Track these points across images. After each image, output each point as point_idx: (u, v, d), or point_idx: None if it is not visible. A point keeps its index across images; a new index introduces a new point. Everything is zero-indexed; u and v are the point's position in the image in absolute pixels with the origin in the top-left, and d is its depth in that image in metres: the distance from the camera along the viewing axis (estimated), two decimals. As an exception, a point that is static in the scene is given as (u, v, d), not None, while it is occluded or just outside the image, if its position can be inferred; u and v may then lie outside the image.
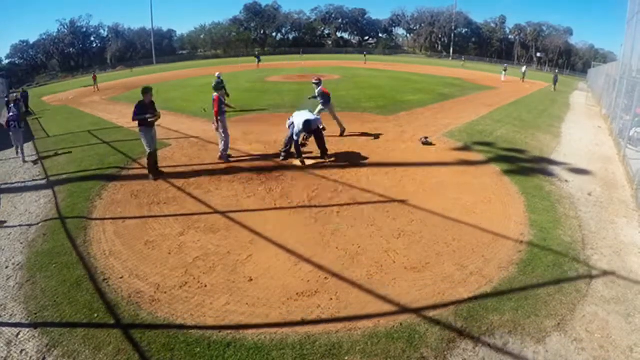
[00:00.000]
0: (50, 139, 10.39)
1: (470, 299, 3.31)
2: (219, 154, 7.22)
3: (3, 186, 6.64)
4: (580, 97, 21.11)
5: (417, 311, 3.18)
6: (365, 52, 51.58)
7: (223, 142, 7.10)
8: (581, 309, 3.23)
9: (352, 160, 7.19)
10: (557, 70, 28.53)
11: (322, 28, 77.90)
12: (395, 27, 79.80)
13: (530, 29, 68.54)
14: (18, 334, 3.01)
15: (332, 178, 6.20)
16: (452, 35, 69.73)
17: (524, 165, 7.15)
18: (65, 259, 4.02)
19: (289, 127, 6.78)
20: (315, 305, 3.27)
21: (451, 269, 3.76)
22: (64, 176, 6.76)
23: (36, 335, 2.98)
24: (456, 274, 3.68)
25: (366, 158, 7.29)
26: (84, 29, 63.66)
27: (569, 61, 63.36)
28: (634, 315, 3.17)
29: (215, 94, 6.91)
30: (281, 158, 7.06)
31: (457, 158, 7.42)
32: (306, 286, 3.52)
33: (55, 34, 60.52)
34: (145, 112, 6.05)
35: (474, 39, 72.46)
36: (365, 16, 77.48)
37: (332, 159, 7.15)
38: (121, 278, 3.68)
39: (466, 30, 73.11)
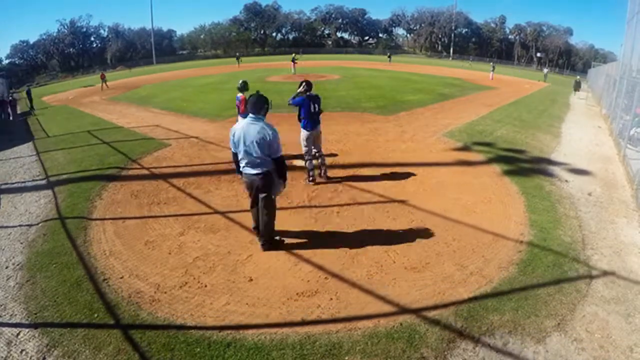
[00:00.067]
0: (50, 139, 10.40)
1: (470, 299, 3.31)
2: None
3: (3, 186, 6.64)
4: (581, 96, 21.09)
5: (417, 311, 3.18)
6: (389, 53, 47.93)
7: None
8: (581, 309, 3.23)
9: (352, 160, 7.19)
10: (578, 77, 24.53)
11: (322, 28, 77.87)
12: (395, 27, 79.83)
13: (530, 29, 68.53)
14: (18, 334, 3.01)
15: (332, 178, 6.20)
16: (452, 35, 69.71)
17: (524, 165, 7.15)
18: (65, 259, 4.02)
19: None
20: (315, 305, 3.27)
21: (451, 269, 3.76)
22: (64, 176, 6.76)
23: (36, 335, 2.98)
24: (456, 274, 3.68)
25: (366, 158, 7.29)
26: (84, 29, 63.63)
27: (569, 61, 63.34)
28: (634, 315, 3.17)
29: (240, 94, 6.74)
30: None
31: (457, 158, 7.42)
32: (306, 286, 3.52)
33: (55, 34, 60.52)
34: None
35: (474, 39, 72.44)
36: (365, 16, 77.51)
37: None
38: (121, 278, 3.68)
39: (466, 30, 73.10)
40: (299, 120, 5.80)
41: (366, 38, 79.96)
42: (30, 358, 2.76)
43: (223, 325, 3.04)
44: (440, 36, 72.79)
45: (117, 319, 3.12)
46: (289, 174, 4.12)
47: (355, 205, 5.22)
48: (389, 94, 16.46)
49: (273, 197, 3.99)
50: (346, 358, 2.73)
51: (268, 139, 3.62)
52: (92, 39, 65.60)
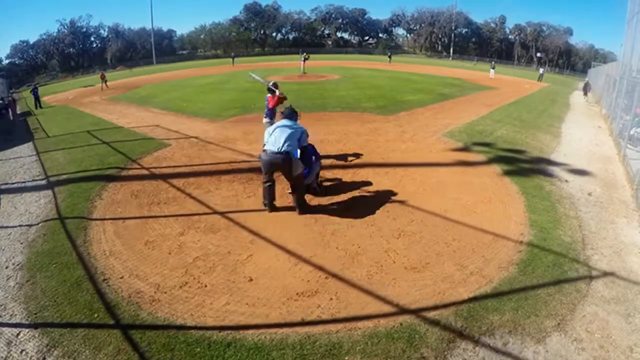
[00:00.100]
0: (50, 139, 10.40)
1: (470, 299, 3.31)
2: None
3: (3, 186, 6.64)
4: (581, 97, 21.10)
5: (417, 311, 3.18)
6: (390, 53, 47.70)
7: None
8: (581, 309, 3.23)
9: (352, 160, 7.19)
10: (587, 79, 23.39)
11: (322, 28, 77.78)
12: (395, 27, 79.68)
13: (530, 29, 68.47)
14: (18, 334, 3.01)
15: (332, 178, 6.20)
16: (452, 35, 69.68)
17: (524, 165, 7.15)
18: (65, 259, 4.02)
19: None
20: (315, 305, 3.27)
21: (451, 269, 3.76)
22: (64, 176, 6.76)
23: (36, 335, 2.98)
24: (456, 274, 3.68)
25: (366, 158, 7.29)
26: (84, 29, 63.54)
27: (569, 61, 63.31)
28: (634, 315, 3.17)
29: (269, 95, 6.89)
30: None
31: (457, 158, 7.42)
32: (306, 286, 3.52)
33: (55, 34, 60.40)
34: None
35: (474, 39, 72.37)
36: (365, 16, 77.38)
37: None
38: (121, 278, 3.68)
39: (466, 30, 73.03)
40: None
41: (366, 38, 79.91)
42: (30, 358, 2.77)
43: (223, 325, 3.04)
44: (440, 36, 72.75)
45: (117, 319, 3.12)
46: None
47: (355, 205, 5.22)
48: (389, 94, 16.46)
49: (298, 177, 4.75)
50: (346, 358, 2.73)
51: (302, 129, 4.85)
52: (92, 39, 65.53)
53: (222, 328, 3.00)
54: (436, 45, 74.24)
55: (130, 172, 6.83)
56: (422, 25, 74.25)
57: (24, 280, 3.70)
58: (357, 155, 7.43)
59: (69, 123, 12.63)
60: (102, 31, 65.66)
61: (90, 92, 23.66)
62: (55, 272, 3.79)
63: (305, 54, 28.74)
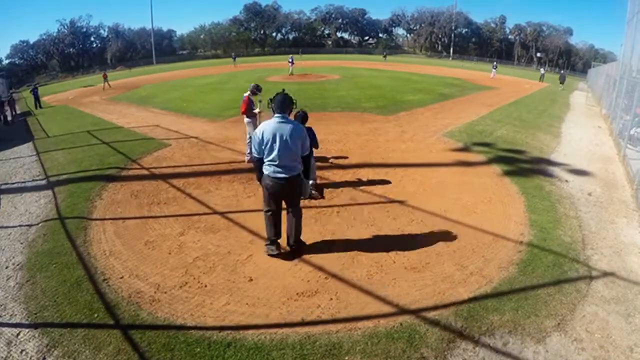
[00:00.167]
0: (50, 139, 10.40)
1: (470, 299, 3.31)
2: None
3: (3, 186, 6.64)
4: (580, 97, 21.11)
5: (417, 311, 3.18)
6: (385, 53, 48.58)
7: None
8: (581, 309, 3.23)
9: (352, 160, 7.19)
10: (562, 71, 28.12)
11: (322, 28, 77.81)
12: (395, 27, 79.75)
13: (530, 29, 68.49)
14: (18, 334, 3.01)
15: (332, 178, 6.20)
16: (452, 35, 69.70)
17: (524, 165, 7.15)
18: (65, 259, 4.02)
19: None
20: (315, 305, 3.27)
21: (451, 269, 3.76)
22: (64, 176, 6.76)
23: (36, 335, 2.98)
24: (456, 274, 3.68)
25: (366, 158, 7.29)
26: (84, 29, 63.57)
27: (569, 61, 63.32)
28: (634, 315, 3.17)
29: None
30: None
31: (457, 158, 7.42)
32: (306, 286, 3.52)
33: (55, 34, 60.44)
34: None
35: (474, 39, 72.40)
36: (365, 16, 77.45)
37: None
38: (121, 278, 3.68)
39: (466, 30, 73.05)
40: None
41: (366, 38, 79.93)
42: (30, 358, 2.76)
43: (223, 325, 3.03)
44: (440, 36, 72.76)
45: (117, 319, 3.12)
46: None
47: (355, 205, 5.22)
48: (389, 94, 16.46)
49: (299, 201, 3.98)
50: (346, 358, 2.73)
51: (303, 134, 3.65)
52: (92, 39, 65.57)
53: (222, 328, 3.00)
54: (436, 45, 74.24)
55: (130, 172, 6.83)
56: (422, 25, 74.26)
57: (24, 280, 3.70)
58: (357, 155, 7.43)
59: (69, 123, 12.63)
60: (102, 31, 65.79)
61: (90, 92, 23.66)
62: (55, 272, 3.79)
63: (291, 55, 28.81)
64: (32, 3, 77.30)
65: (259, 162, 3.70)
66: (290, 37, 76.33)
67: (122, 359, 2.73)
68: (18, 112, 18.15)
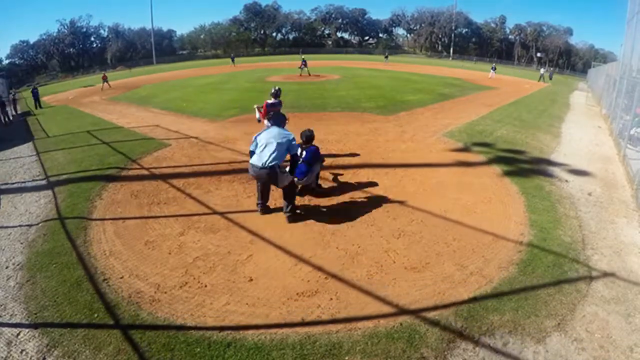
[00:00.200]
0: (50, 139, 10.40)
1: (470, 299, 3.31)
2: None
3: (3, 186, 6.64)
4: (580, 97, 21.11)
5: (417, 311, 3.18)
6: (387, 53, 47.77)
7: None
8: (581, 309, 3.24)
9: (352, 160, 7.19)
10: (542, 69, 32.96)
11: (322, 28, 77.80)
12: (395, 27, 79.75)
13: (530, 29, 68.48)
14: (18, 334, 3.01)
15: (332, 178, 6.20)
16: (452, 35, 69.71)
17: (524, 165, 7.15)
18: (65, 259, 4.02)
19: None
20: (315, 305, 3.27)
21: (451, 269, 3.76)
22: (64, 176, 6.76)
23: (36, 335, 2.98)
24: (456, 274, 3.68)
25: (366, 158, 7.29)
26: (84, 29, 63.56)
27: (569, 61, 63.36)
28: (634, 315, 3.17)
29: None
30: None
31: (457, 158, 7.42)
32: (306, 286, 3.52)
33: (55, 34, 60.43)
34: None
35: (474, 39, 72.39)
36: (365, 16, 77.45)
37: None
38: (121, 278, 3.68)
39: (466, 30, 73.05)
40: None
41: (366, 38, 79.94)
42: (30, 358, 2.77)
43: (223, 325, 3.04)
44: (440, 36, 72.77)
45: (117, 319, 3.12)
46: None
47: (355, 205, 5.22)
48: (389, 94, 16.46)
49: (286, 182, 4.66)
50: (346, 358, 2.73)
51: (289, 137, 4.66)
52: (92, 39, 65.55)
53: (222, 328, 3.00)
54: (436, 45, 74.25)
55: (130, 172, 6.83)
56: (422, 25, 74.27)
57: (24, 280, 3.70)
58: (357, 155, 7.43)
59: (69, 123, 12.63)
60: (102, 31, 65.79)
61: (90, 92, 23.66)
62: (55, 272, 3.79)
63: (303, 58, 28.21)
64: (32, 3, 77.36)
65: (252, 154, 4.71)
66: (290, 37, 76.34)
67: (122, 359, 2.73)
68: (19, 112, 18.16)
